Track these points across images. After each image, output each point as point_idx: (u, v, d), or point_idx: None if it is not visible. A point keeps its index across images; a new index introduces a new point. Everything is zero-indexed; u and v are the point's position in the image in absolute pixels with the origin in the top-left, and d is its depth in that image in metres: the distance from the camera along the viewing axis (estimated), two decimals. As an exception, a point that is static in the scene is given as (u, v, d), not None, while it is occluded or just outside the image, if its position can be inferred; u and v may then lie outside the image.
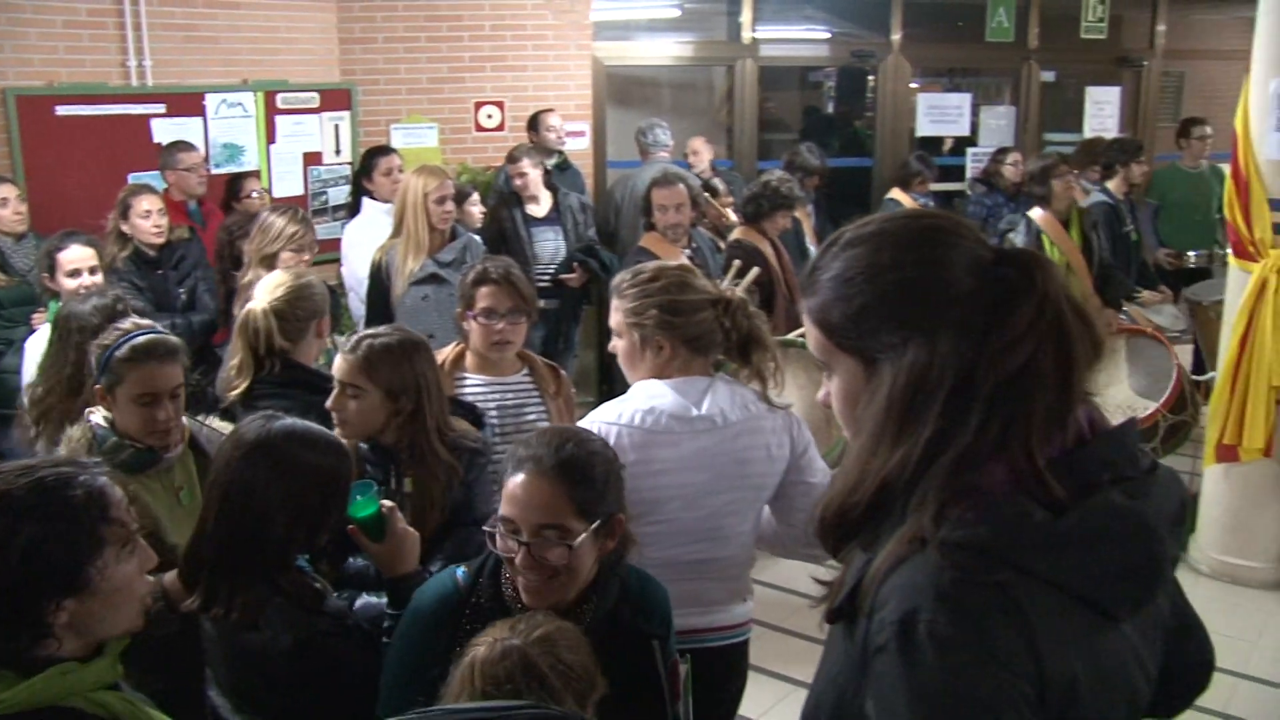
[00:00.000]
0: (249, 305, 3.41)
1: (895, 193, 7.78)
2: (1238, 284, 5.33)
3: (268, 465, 2.26)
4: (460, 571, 2.27)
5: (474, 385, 3.54)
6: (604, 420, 2.67)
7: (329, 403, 2.89)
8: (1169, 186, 8.23)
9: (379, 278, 5.09)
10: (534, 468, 2.08)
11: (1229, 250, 5.45)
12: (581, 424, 2.72)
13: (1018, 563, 1.22)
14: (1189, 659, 1.58)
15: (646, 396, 2.70)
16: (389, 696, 2.17)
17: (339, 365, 2.90)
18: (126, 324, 2.99)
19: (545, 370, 3.64)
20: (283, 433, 2.32)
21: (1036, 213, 6.27)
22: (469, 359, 3.57)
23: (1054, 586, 1.23)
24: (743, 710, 3.06)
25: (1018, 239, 6.08)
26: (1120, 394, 6.32)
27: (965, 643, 1.19)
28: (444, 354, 3.58)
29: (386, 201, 5.84)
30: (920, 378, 1.29)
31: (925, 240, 1.35)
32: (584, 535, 2.08)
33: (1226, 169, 5.48)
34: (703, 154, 7.65)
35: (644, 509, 2.52)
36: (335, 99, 7.35)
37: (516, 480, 2.08)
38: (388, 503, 2.49)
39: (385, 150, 6.32)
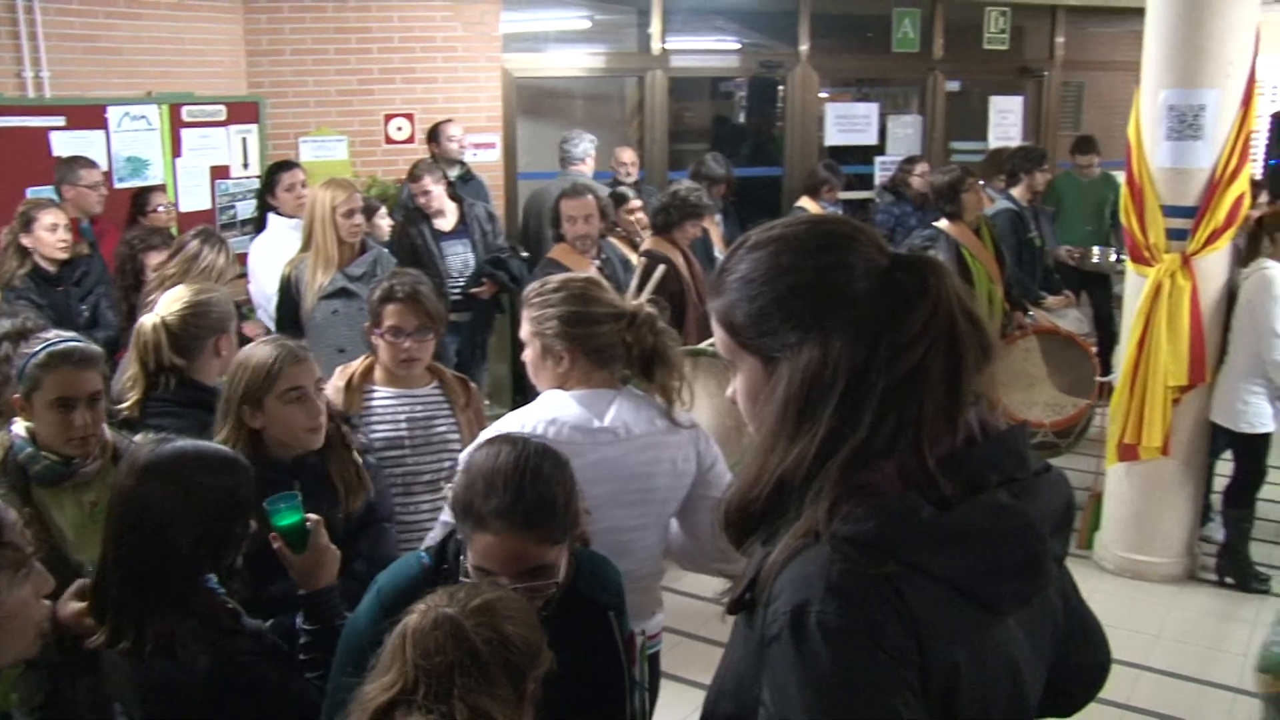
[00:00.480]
0: (143, 318, 3.37)
1: (804, 201, 7.88)
2: (1134, 288, 5.48)
3: (159, 490, 2.22)
4: (422, 555, 2.29)
5: (383, 398, 3.53)
6: (508, 427, 2.68)
7: (318, 420, 2.91)
8: (1065, 193, 8.49)
9: (289, 292, 5.05)
10: (504, 525, 2.05)
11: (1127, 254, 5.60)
12: (484, 434, 2.74)
13: (905, 557, 1.27)
14: (1085, 659, 1.63)
15: (550, 407, 2.72)
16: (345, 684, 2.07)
17: (300, 373, 2.89)
18: (50, 334, 2.95)
19: (455, 382, 3.64)
20: (173, 455, 2.28)
21: (946, 225, 6.36)
22: (378, 372, 3.56)
23: (939, 580, 1.29)
24: (659, 718, 3.07)
25: (939, 254, 6.16)
26: (1046, 393, 6.45)
27: (853, 633, 1.24)
28: (353, 367, 3.57)
29: (293, 217, 5.78)
30: (815, 376, 1.33)
31: (824, 245, 1.40)
32: (563, 556, 2.13)
33: (1120, 176, 5.64)
34: (637, 164, 7.76)
35: None
36: (242, 112, 7.25)
37: (488, 540, 2.06)
38: (313, 516, 2.49)
39: (288, 165, 6.25)
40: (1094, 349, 6.73)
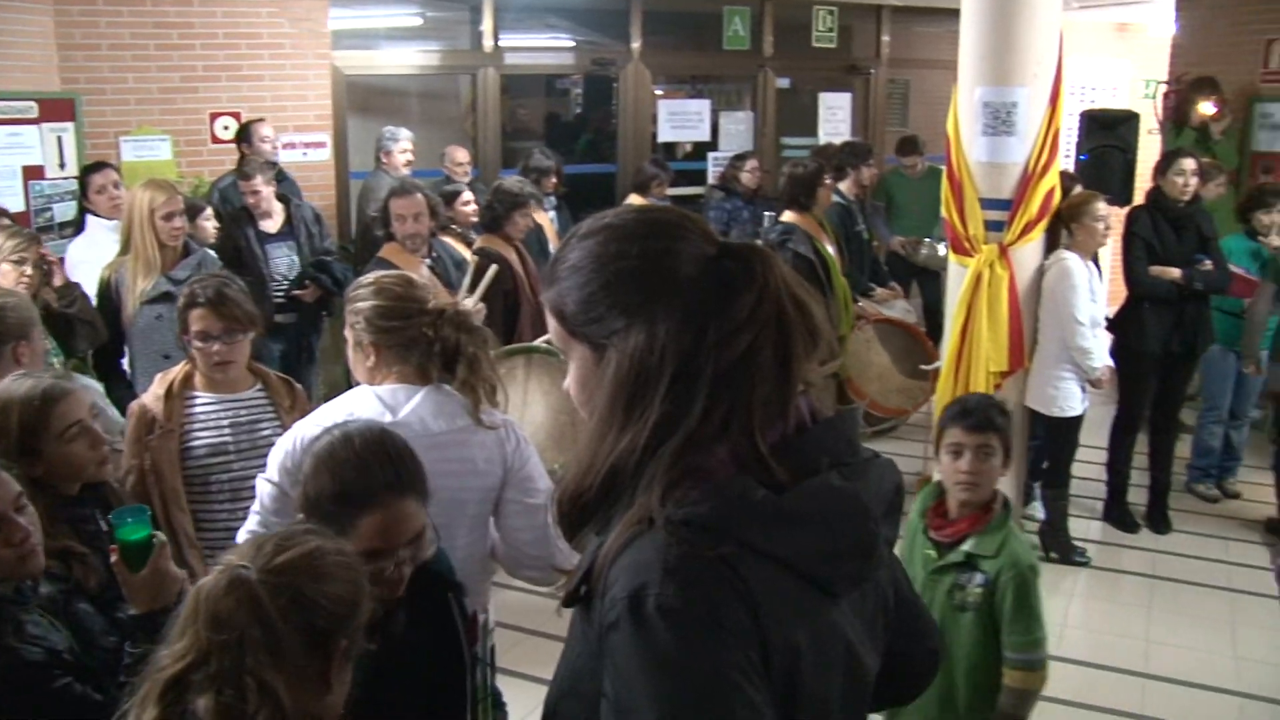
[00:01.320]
0: None
1: (633, 198, 7.95)
2: (956, 278, 5.68)
3: None
4: None
5: (205, 404, 3.44)
6: (316, 423, 2.70)
7: (104, 450, 2.76)
8: (896, 190, 8.78)
9: (109, 297, 4.89)
10: (394, 495, 2.13)
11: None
12: (293, 429, 2.77)
13: (741, 537, 1.27)
14: (918, 646, 1.67)
15: (349, 403, 2.77)
16: None
17: (75, 405, 2.73)
18: None
19: (279, 384, 3.57)
20: None
21: (795, 218, 6.46)
22: (198, 378, 3.47)
23: (775, 561, 1.30)
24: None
25: (799, 247, 6.26)
26: (896, 380, 6.64)
27: (693, 615, 1.24)
28: (172, 374, 3.47)
29: (111, 219, 5.58)
30: (641, 362, 1.34)
31: (651, 232, 1.41)
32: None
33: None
34: (471, 163, 7.70)
35: None
36: (56, 109, 6.93)
37: (379, 517, 2.12)
38: (160, 535, 2.39)
39: (99, 166, 6.02)
40: (926, 338, 6.98)
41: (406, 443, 2.24)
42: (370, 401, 2.74)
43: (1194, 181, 5.88)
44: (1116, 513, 6.30)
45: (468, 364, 2.78)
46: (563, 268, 1.43)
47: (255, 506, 2.78)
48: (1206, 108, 8.10)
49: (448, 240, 5.83)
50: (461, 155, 7.71)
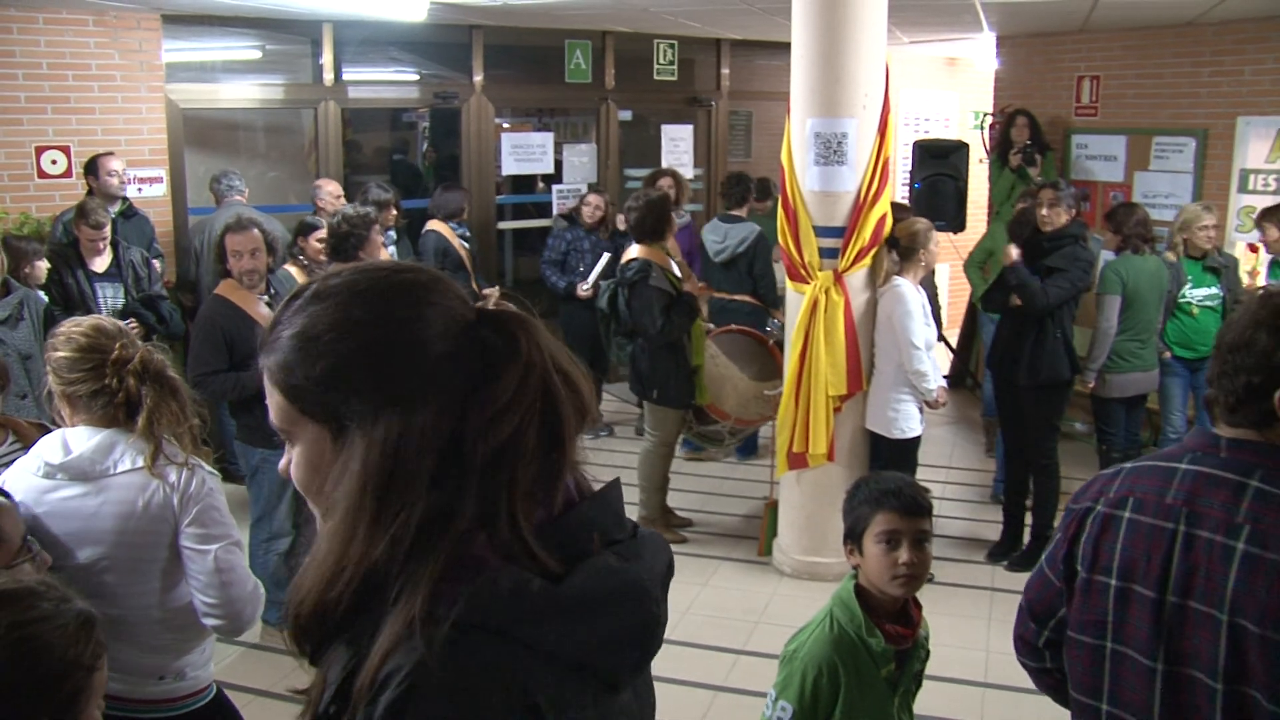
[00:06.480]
0: None
1: (434, 224, 7.98)
2: (794, 304, 5.80)
3: None
4: None
5: None
6: (19, 466, 2.78)
7: None
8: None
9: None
10: None
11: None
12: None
13: (517, 635, 1.17)
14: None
15: (38, 446, 2.81)
16: None
17: None
18: None
19: (31, 430, 3.34)
20: None
21: (644, 250, 6.44)
22: None
23: (555, 658, 1.19)
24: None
25: (660, 283, 6.24)
26: (751, 386, 6.66)
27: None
28: None
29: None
30: (396, 452, 1.18)
31: (399, 296, 1.25)
32: None
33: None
34: (339, 196, 7.60)
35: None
36: None
37: None
38: None
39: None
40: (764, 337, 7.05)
41: None
42: (52, 444, 2.78)
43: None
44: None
45: (146, 413, 2.80)
46: (287, 334, 1.23)
47: None
48: (1014, 158, 8.42)
49: (293, 271, 5.73)
50: (334, 188, 7.61)
